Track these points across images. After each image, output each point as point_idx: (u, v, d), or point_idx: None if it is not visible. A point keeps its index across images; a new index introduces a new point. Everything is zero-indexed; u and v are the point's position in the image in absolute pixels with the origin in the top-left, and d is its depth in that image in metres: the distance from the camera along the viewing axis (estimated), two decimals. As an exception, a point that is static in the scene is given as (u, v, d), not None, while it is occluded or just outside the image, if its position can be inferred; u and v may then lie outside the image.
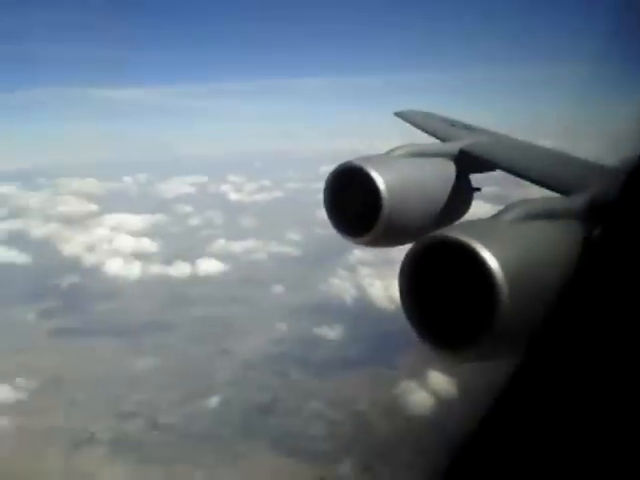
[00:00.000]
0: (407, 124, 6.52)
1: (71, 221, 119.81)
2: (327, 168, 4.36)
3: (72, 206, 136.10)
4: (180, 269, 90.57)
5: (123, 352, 62.25)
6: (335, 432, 47.50)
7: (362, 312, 69.47)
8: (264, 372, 57.85)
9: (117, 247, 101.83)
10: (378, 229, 4.06)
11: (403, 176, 4.22)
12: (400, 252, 2.95)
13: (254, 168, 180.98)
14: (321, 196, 4.36)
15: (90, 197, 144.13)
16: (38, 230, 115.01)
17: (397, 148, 4.48)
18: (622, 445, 2.03)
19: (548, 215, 3.02)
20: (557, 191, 3.75)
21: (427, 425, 45.45)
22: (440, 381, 49.40)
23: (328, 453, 45.05)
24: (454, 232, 2.75)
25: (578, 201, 3.22)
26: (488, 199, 5.63)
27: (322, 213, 4.39)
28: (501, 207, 3.00)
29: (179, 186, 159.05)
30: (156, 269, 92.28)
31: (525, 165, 4.47)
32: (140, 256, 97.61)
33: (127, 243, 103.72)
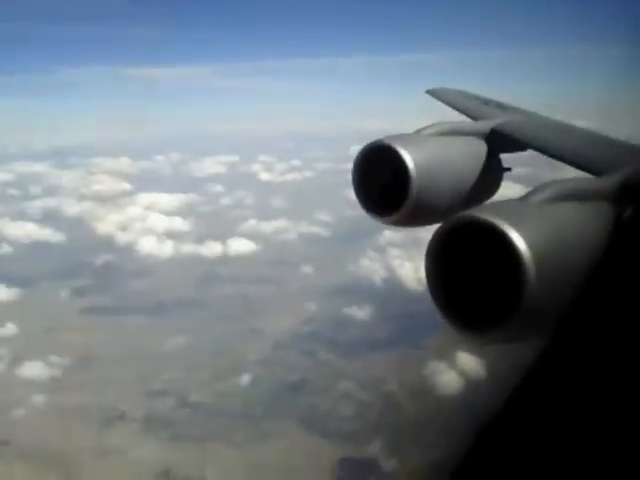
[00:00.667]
0: (439, 103, 6.43)
1: (104, 200, 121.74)
2: (357, 148, 4.32)
3: (105, 185, 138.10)
4: (212, 248, 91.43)
5: (155, 330, 63.12)
6: (364, 412, 47.70)
7: (391, 293, 69.43)
8: (294, 351, 58.28)
9: (150, 226, 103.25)
10: (406, 208, 4.01)
11: (432, 155, 4.16)
12: (430, 233, 2.92)
13: (285, 148, 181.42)
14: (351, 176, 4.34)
15: (123, 176, 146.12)
16: (72, 208, 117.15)
17: (427, 127, 4.42)
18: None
19: (579, 196, 2.96)
20: (589, 172, 3.68)
21: (456, 405, 45.36)
22: (469, 362, 49.27)
23: (357, 433, 45.29)
24: (482, 212, 2.71)
25: (610, 182, 3.15)
26: (519, 180, 5.54)
27: (352, 194, 4.35)
28: (531, 188, 2.96)
29: (211, 165, 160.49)
30: (188, 248, 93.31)
31: (557, 145, 4.39)
32: (172, 235, 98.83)
33: (160, 222, 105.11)
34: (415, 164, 4.00)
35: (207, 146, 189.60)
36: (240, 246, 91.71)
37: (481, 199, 4.37)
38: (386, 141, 4.12)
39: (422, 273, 2.94)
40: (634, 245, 2.84)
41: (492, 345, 2.86)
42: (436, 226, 2.90)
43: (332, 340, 59.51)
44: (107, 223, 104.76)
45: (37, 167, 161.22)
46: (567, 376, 2.53)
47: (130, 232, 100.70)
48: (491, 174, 4.51)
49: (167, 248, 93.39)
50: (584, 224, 2.86)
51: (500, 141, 4.57)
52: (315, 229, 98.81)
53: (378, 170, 4.16)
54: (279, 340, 60.22)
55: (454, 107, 6.05)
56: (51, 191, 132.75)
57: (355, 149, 4.31)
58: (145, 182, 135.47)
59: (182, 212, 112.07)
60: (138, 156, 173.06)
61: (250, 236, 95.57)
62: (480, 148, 4.49)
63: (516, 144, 4.65)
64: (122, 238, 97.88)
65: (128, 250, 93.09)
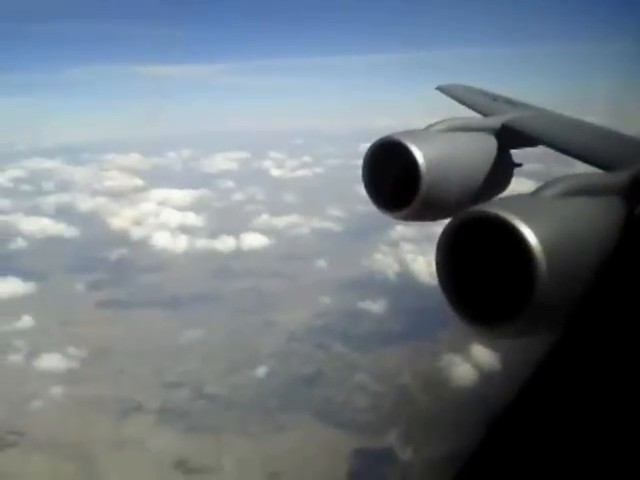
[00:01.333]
0: (446, 100, 6.44)
1: (117, 195, 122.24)
2: (366, 145, 4.35)
3: (118, 181, 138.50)
4: (225, 243, 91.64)
5: (170, 323, 63.45)
6: (378, 404, 47.75)
7: (405, 287, 69.32)
8: (308, 344, 58.37)
9: (164, 221, 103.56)
10: (416, 203, 4.04)
11: (443, 150, 4.18)
12: (442, 228, 2.94)
13: (295, 145, 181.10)
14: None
15: (135, 172, 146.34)
16: (85, 204, 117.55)
17: (437, 122, 4.44)
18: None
19: (590, 191, 2.97)
20: (600, 167, 3.68)
21: (469, 397, 45.28)
22: (483, 354, 49.13)
23: (372, 424, 45.35)
24: (493, 207, 2.72)
25: (621, 178, 3.16)
26: (529, 175, 5.54)
27: (363, 190, 4.38)
28: (542, 183, 2.96)
29: (222, 162, 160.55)
30: (202, 243, 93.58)
31: (568, 140, 4.39)
32: (186, 230, 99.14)
33: (173, 217, 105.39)
34: (425, 160, 4.03)
35: (217, 143, 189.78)
36: (253, 241, 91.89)
37: (491, 194, 4.39)
38: (396, 137, 4.15)
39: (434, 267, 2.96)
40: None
41: (503, 339, 2.88)
42: (447, 221, 2.92)
43: (346, 333, 59.52)
44: (121, 218, 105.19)
45: (48, 163, 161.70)
46: (579, 370, 2.54)
47: (144, 227, 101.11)
48: (501, 170, 4.52)
49: (181, 243, 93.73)
50: (595, 219, 2.87)
51: (510, 137, 4.58)
52: (327, 224, 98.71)
53: (388, 166, 4.19)
54: (293, 333, 60.34)
55: (464, 103, 6.05)
56: (64, 187, 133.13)
57: (364, 146, 4.33)
58: (157, 178, 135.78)
59: (195, 207, 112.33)
60: (149, 152, 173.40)
61: (263, 231, 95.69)
62: (490, 144, 4.50)
63: (526, 140, 4.66)
64: (136, 233, 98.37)
65: (142, 245, 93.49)
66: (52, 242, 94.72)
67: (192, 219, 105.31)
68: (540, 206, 2.79)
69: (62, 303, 69.28)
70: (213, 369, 54.73)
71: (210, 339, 59.93)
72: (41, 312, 65.56)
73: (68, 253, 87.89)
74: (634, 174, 3.16)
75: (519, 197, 2.98)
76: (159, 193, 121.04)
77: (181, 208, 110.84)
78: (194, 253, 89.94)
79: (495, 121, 4.71)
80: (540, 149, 4.60)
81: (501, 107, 5.50)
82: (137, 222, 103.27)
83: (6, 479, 42.29)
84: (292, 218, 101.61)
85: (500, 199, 3.43)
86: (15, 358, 57.89)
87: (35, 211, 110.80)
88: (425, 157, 4.03)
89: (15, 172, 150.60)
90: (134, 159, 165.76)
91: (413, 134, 4.25)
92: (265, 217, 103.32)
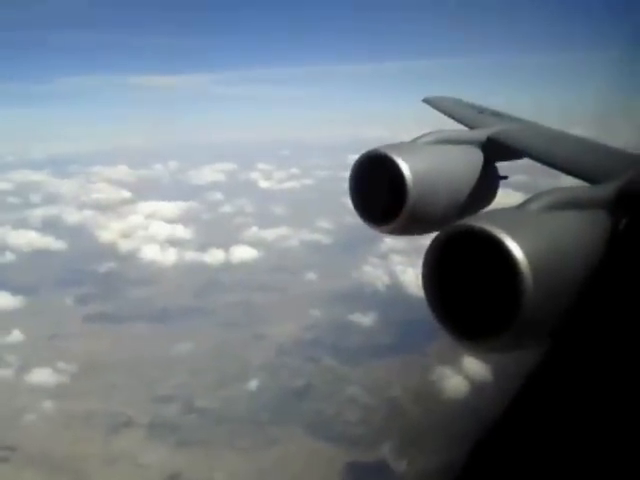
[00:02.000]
0: (435, 111, 6.45)
1: (105, 208, 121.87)
2: (354, 156, 4.34)
3: (105, 193, 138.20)
4: (214, 256, 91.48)
5: (159, 337, 63.18)
6: (369, 417, 47.64)
7: (394, 299, 69.26)
8: (298, 357, 58.25)
9: (152, 234, 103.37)
10: (403, 217, 4.02)
11: (429, 163, 4.17)
12: (430, 241, 2.93)
13: (282, 156, 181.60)
14: (349, 184, 4.34)
15: (122, 184, 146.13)
16: (72, 217, 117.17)
17: (424, 135, 4.43)
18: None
19: (576, 205, 2.96)
20: (586, 180, 3.68)
21: (461, 409, 45.26)
22: (475, 366, 49.14)
23: (363, 437, 45.23)
24: (479, 221, 2.71)
25: (607, 190, 3.16)
26: (516, 188, 5.55)
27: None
28: (529, 196, 2.96)
29: (209, 173, 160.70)
30: (191, 255, 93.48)
31: (554, 153, 4.40)
32: (175, 243, 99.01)
33: (162, 230, 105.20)
34: (412, 173, 4.01)
35: (205, 154, 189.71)
36: (242, 253, 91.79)
37: (478, 207, 4.38)
38: (382, 150, 4.13)
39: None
40: (631, 254, 2.84)
41: (491, 353, 2.87)
42: (433, 235, 2.90)
43: (336, 346, 59.46)
44: (109, 231, 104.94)
45: (36, 176, 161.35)
46: (569, 381, 2.54)
47: (132, 240, 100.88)
48: (487, 182, 4.51)
49: (170, 256, 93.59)
50: (581, 232, 2.86)
51: (496, 149, 4.58)
52: (316, 236, 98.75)
53: (375, 179, 4.17)
54: (283, 346, 60.24)
55: (450, 116, 6.06)
56: (51, 199, 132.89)
57: (353, 157, 4.32)
58: (145, 190, 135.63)
59: (183, 220, 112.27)
60: (136, 164, 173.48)
61: (252, 243, 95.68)
62: (476, 156, 4.50)
63: (512, 152, 4.66)
64: (124, 246, 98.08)
65: (131, 258, 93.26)
66: (40, 255, 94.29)
67: (181, 232, 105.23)
68: (526, 220, 2.78)
69: (51, 317, 68.95)
70: (203, 382, 54.53)
71: (200, 352, 59.72)
72: (31, 326, 65.28)
73: (56, 266, 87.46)
74: (619, 187, 3.16)
75: (505, 211, 2.97)
76: (147, 206, 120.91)
77: (169, 221, 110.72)
78: (183, 266, 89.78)
79: (481, 134, 4.71)
80: (526, 161, 4.61)
81: (487, 120, 5.51)
82: (125, 235, 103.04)
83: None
84: (281, 230, 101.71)
85: (486, 213, 3.42)
86: (6, 373, 57.65)
87: (23, 224, 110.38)
88: (412, 170, 4.01)
89: (2, 185, 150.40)
90: (121, 171, 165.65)
91: (399, 147, 4.23)
92: (254, 229, 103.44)
